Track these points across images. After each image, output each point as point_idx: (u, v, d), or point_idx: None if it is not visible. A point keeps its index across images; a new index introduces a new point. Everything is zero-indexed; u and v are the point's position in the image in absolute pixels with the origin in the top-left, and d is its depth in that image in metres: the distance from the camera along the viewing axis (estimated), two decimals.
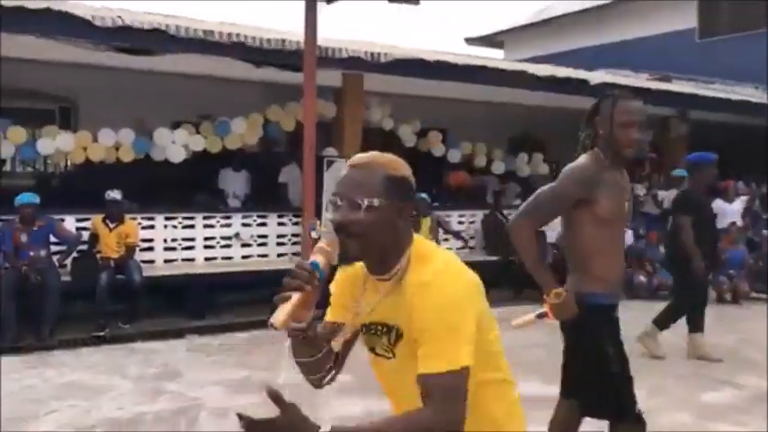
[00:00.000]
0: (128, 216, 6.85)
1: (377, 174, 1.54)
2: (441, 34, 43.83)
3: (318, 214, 7.08)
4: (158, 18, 6.62)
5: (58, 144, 6.77)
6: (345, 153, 7.99)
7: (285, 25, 7.40)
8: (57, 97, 8.49)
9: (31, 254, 6.22)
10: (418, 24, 43.86)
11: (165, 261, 7.41)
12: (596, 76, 9.43)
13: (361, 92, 8.13)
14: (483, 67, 8.30)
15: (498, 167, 9.69)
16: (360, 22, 28.79)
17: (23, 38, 5.98)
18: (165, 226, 7.42)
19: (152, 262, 7.25)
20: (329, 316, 1.74)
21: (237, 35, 6.64)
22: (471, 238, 9.01)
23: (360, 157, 1.60)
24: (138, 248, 6.93)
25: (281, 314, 1.43)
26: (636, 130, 2.65)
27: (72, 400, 4.72)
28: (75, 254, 6.68)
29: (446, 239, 8.45)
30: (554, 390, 3.13)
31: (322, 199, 7.28)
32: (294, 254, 7.93)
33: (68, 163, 8.57)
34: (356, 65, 7.39)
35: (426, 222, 8.27)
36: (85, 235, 6.83)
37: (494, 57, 16.26)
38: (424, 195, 8.28)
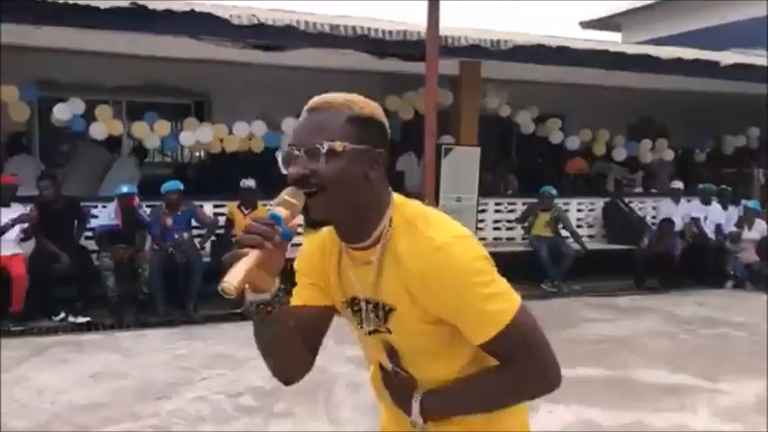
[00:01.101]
0: (260, 203, 7.30)
1: (339, 114, 1.28)
2: (554, 18, 42.70)
3: (438, 201, 7.24)
4: (288, 15, 6.97)
5: (197, 136, 7.31)
6: (462, 140, 8.10)
7: (397, 15, 7.54)
8: (193, 92, 9.12)
9: (176, 236, 6.79)
10: (530, 9, 42.97)
11: (292, 245, 7.80)
12: (727, 57, 8.95)
13: (478, 79, 8.18)
14: (605, 52, 8.11)
15: (619, 154, 9.44)
16: (470, 9, 28.67)
17: (168, 38, 6.51)
18: None
19: None
20: (297, 298, 1.42)
21: (362, 28, 6.88)
22: (590, 226, 8.87)
23: (318, 98, 1.32)
24: None
25: (233, 276, 1.11)
26: None
27: (220, 369, 5.15)
28: (213, 237, 7.21)
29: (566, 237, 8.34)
30: (682, 378, 3.10)
31: (440, 186, 7.45)
32: None
33: (203, 153, 9.19)
34: (476, 53, 7.45)
35: (544, 217, 8.22)
36: (222, 220, 7.35)
37: (610, 40, 15.73)
38: (549, 188, 8.25)
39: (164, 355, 5.49)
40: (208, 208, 7.38)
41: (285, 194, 1.22)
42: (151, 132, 7.25)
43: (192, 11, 6.22)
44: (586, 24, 17.91)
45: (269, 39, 6.73)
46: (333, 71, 8.29)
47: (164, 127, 7.31)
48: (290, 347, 1.37)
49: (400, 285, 1.29)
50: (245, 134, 7.54)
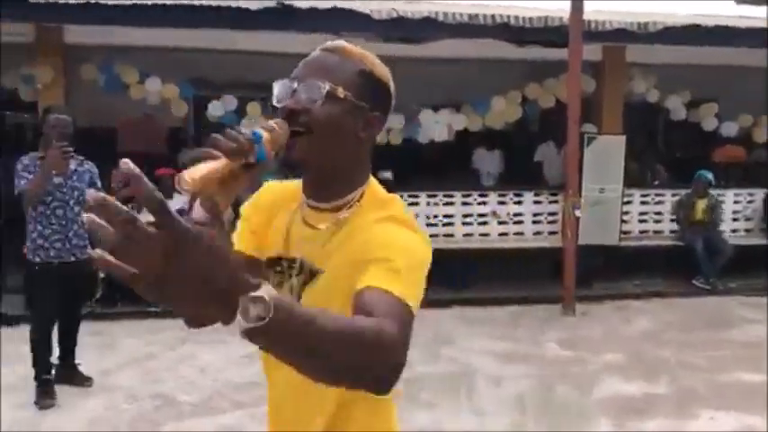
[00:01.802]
0: (396, 194, 7.39)
1: (350, 62, 1.23)
2: None
3: (580, 192, 6.98)
4: (427, 7, 6.99)
5: None
6: (606, 129, 7.75)
7: (535, 2, 7.31)
8: None
9: None
10: None
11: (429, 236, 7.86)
12: None
13: (623, 64, 7.80)
14: (765, 30, 7.43)
15: None
16: None
17: (312, 35, 6.73)
18: (428, 203, 7.88)
19: None
20: (236, 244, 1.28)
21: (501, 16, 6.76)
22: (748, 219, 8.20)
23: (337, 42, 1.27)
24: None
25: (195, 172, 0.95)
26: None
27: None
28: None
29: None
30: None
31: (582, 176, 7.17)
32: (550, 233, 7.92)
33: None
34: (621, 37, 7.10)
35: (701, 205, 7.72)
36: None
37: None
38: (705, 173, 7.75)
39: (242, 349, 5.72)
40: None
41: (273, 122, 1.11)
42: None
43: (335, 8, 6.40)
44: (743, 0, 16.47)
45: (408, 31, 6.80)
46: (470, 60, 8.21)
47: None
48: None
49: (343, 257, 1.17)
50: (385, 127, 7.65)
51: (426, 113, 7.74)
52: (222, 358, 5.10)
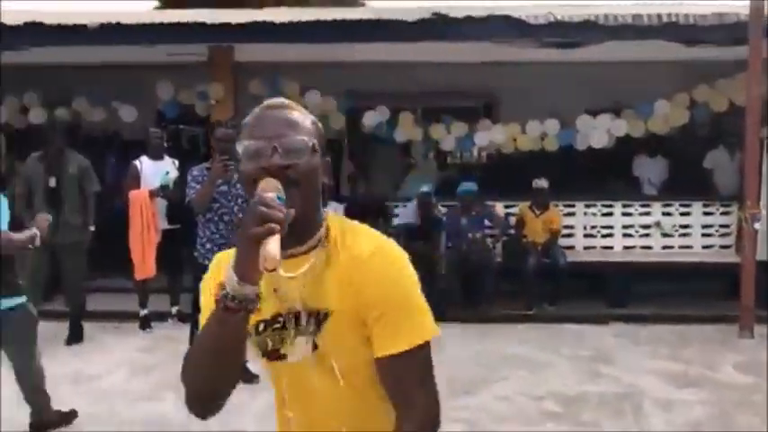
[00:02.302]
0: (552, 203, 7.17)
1: (305, 115, 1.31)
2: None
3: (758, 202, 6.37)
4: (585, 10, 6.72)
5: (491, 136, 7.44)
6: None
7: None
8: (481, 94, 9.32)
9: (470, 236, 6.98)
10: None
11: (585, 248, 7.56)
12: None
13: None
14: None
15: None
16: None
17: (465, 44, 6.72)
18: (585, 213, 7.57)
19: (572, 248, 7.46)
20: (205, 317, 1.29)
21: (669, 15, 6.35)
22: None
23: (275, 99, 1.34)
24: (560, 234, 7.21)
25: (273, 252, 1.06)
26: None
27: (518, 370, 5.16)
28: (504, 237, 7.29)
29: None
30: None
31: (762, 186, 6.54)
32: (722, 246, 7.31)
33: (491, 154, 9.34)
34: None
35: None
36: (512, 220, 7.38)
37: None
38: None
39: (461, 351, 5.67)
40: (498, 208, 7.46)
41: (272, 182, 1.18)
42: (447, 135, 7.57)
43: (491, 15, 6.34)
44: None
45: (566, 36, 6.58)
46: (632, 63, 7.80)
47: (459, 128, 7.58)
48: (238, 360, 1.23)
49: (337, 286, 1.26)
50: (538, 133, 7.46)
51: (584, 119, 7.44)
52: None
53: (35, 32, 6.22)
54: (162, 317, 6.10)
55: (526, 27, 6.44)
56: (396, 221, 7.30)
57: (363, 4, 20.06)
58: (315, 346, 1.28)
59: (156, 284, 6.06)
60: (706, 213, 7.38)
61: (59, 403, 4.01)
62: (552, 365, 5.29)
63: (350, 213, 7.00)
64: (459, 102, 9.56)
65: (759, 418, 4.25)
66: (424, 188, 7.04)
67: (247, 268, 1.11)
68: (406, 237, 6.99)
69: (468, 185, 7.07)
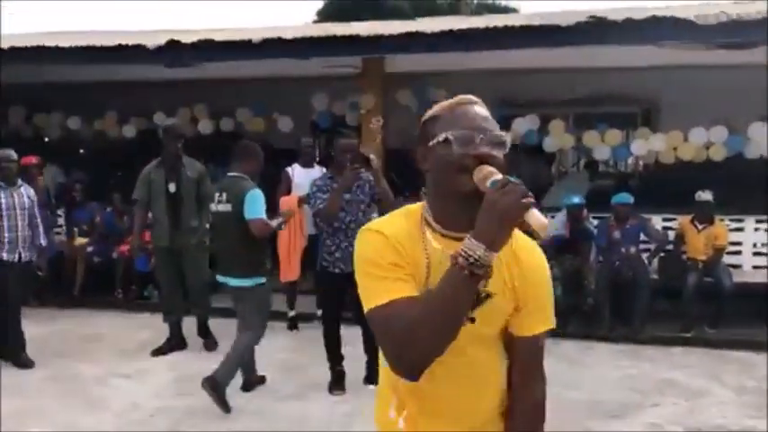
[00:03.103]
0: (717, 217, 6.61)
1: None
2: None
3: None
4: (757, 6, 6.12)
5: (650, 145, 7.01)
6: None
7: None
8: (640, 100, 8.82)
9: (623, 250, 6.60)
10: None
11: (753, 267, 6.89)
12: None
13: None
14: None
15: None
16: None
17: (625, 48, 6.37)
18: (756, 229, 6.90)
19: (739, 267, 6.83)
20: (401, 290, 1.36)
21: None
22: None
23: (467, 96, 1.51)
24: (725, 251, 6.62)
25: (542, 217, 1.25)
26: None
27: (672, 397, 4.80)
28: (661, 253, 6.82)
29: None
30: None
31: None
32: None
33: (649, 163, 8.80)
34: None
35: None
36: (671, 234, 6.89)
37: None
38: None
39: (611, 371, 5.39)
40: (656, 221, 7.00)
41: (489, 168, 1.34)
42: (601, 143, 7.24)
43: (654, 17, 5.96)
44: None
45: (740, 36, 6.01)
46: None
47: (614, 136, 7.22)
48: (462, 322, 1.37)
49: (498, 272, 1.40)
50: (703, 141, 6.92)
51: (757, 126, 6.79)
52: None
53: (206, 49, 6.76)
54: (308, 318, 6.37)
55: (695, 28, 5.97)
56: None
57: (516, 11, 19.86)
58: (472, 320, 1.44)
59: (304, 287, 6.35)
60: None
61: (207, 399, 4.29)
62: (711, 394, 4.86)
63: None
64: (616, 108, 9.11)
65: None
66: (575, 199, 6.77)
67: (500, 238, 1.27)
68: (554, 248, 6.77)
69: (623, 196, 6.70)
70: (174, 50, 6.77)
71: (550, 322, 1.53)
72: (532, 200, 1.25)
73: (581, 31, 6.10)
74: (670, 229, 6.96)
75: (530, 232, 1.35)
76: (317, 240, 5.65)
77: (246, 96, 8.23)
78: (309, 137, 6.98)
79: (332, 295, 4.70)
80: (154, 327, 6.15)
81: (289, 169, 6.29)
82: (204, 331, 5.88)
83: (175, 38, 6.80)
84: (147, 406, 4.56)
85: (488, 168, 1.34)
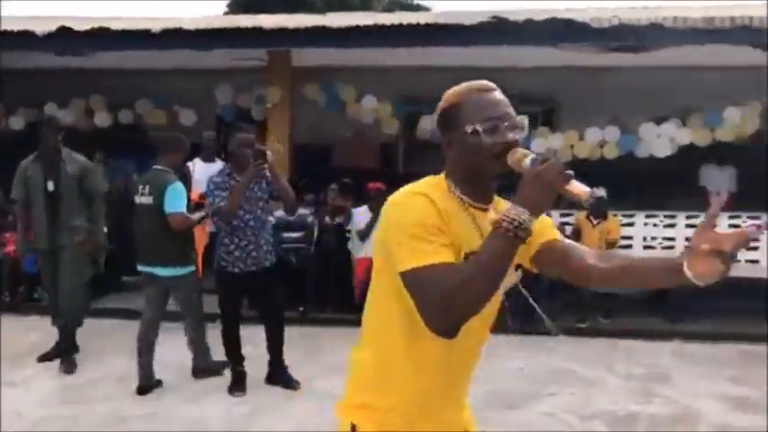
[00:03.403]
0: (610, 213, 6.93)
1: None
2: None
3: None
4: (653, 12, 6.47)
5: (549, 143, 7.26)
6: None
7: None
8: (541, 100, 9.11)
9: None
10: None
11: None
12: None
13: None
14: None
15: None
16: None
17: (526, 48, 6.57)
18: (645, 224, 7.29)
19: None
20: (445, 255, 1.44)
21: (742, 18, 6.03)
22: None
23: (484, 81, 1.59)
24: (617, 245, 6.96)
25: (583, 186, 1.39)
26: None
27: (569, 386, 4.99)
28: None
29: None
30: None
31: None
32: None
33: None
34: None
35: None
36: (568, 229, 7.17)
37: None
38: None
39: (508, 363, 5.53)
40: (554, 216, 7.27)
41: (522, 150, 1.48)
42: None
43: (554, 18, 6.17)
44: None
45: (631, 40, 6.34)
46: (700, 68, 7.48)
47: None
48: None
49: None
50: (597, 140, 7.24)
51: (647, 126, 7.17)
52: None
53: (101, 37, 6.45)
54: (212, 318, 6.16)
55: (589, 31, 6.24)
56: None
57: (428, 9, 20.12)
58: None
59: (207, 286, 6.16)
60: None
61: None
62: (603, 383, 5.10)
63: None
64: (519, 107, 9.33)
65: None
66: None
67: (543, 205, 1.39)
68: None
69: None
70: (65, 38, 6.42)
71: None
72: (572, 172, 1.37)
73: (483, 31, 6.25)
74: (567, 224, 7.23)
75: (572, 201, 1.45)
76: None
77: (147, 88, 7.91)
78: (213, 131, 6.79)
79: (231, 295, 4.59)
80: (44, 330, 5.80)
81: (189, 164, 6.09)
82: (64, 345, 5.23)
83: (67, 25, 6.44)
84: (31, 415, 4.30)
85: (521, 150, 1.48)
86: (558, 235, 1.68)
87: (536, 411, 4.51)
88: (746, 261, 7.01)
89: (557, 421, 4.37)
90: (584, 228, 6.97)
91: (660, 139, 7.05)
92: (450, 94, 1.59)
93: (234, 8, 19.58)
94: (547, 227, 1.69)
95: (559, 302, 6.79)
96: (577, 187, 1.38)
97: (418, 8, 20.79)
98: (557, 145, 7.29)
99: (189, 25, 6.51)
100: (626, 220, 7.25)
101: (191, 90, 7.66)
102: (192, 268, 4.74)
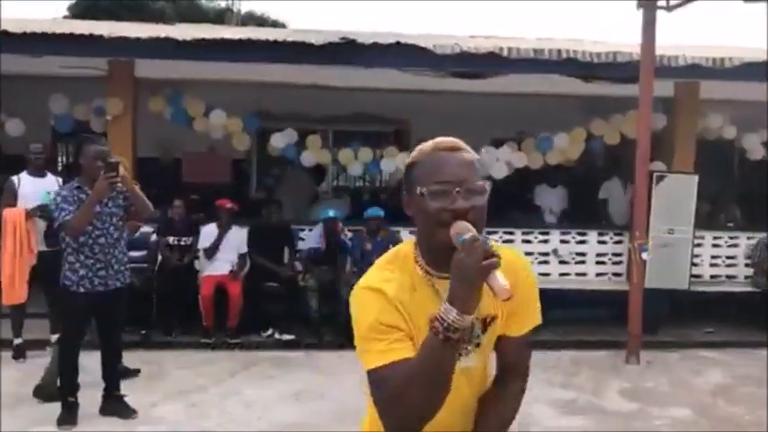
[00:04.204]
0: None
1: (474, 157, 1.46)
2: None
3: (647, 233, 6.68)
4: (491, 42, 6.90)
5: (397, 162, 7.47)
6: (677, 167, 7.42)
7: (602, 35, 7.08)
8: (394, 120, 9.40)
9: (374, 260, 6.93)
10: (760, 18, 38.82)
11: None
12: None
13: (696, 101, 7.46)
14: None
15: None
16: (692, 21, 26.36)
17: (374, 70, 6.74)
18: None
19: None
20: (401, 352, 1.36)
21: (568, 51, 6.60)
22: None
23: (451, 139, 1.47)
24: None
25: (504, 280, 1.26)
26: None
27: None
28: None
29: None
30: None
31: (651, 216, 6.87)
32: (615, 274, 7.59)
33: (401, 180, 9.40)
34: (695, 72, 6.80)
35: None
36: None
37: None
38: None
39: (360, 377, 5.59)
40: (405, 234, 7.47)
41: (465, 224, 1.33)
42: (355, 160, 7.54)
43: (398, 43, 6.39)
44: None
45: (471, 66, 6.71)
46: (533, 96, 8.07)
47: (366, 154, 7.58)
48: (451, 382, 1.36)
49: (498, 305, 1.47)
50: None
51: (487, 150, 7.60)
52: (269, 395, 5.03)
53: None
54: (39, 345, 5.69)
55: (433, 57, 6.53)
56: (300, 245, 7.17)
57: (285, 26, 20.08)
58: (477, 345, 1.50)
59: (34, 310, 5.68)
60: (600, 242, 7.64)
61: None
62: None
63: (254, 237, 6.84)
64: (372, 127, 9.62)
65: None
66: (330, 212, 6.98)
67: (470, 301, 1.26)
68: (313, 261, 6.90)
69: (375, 210, 7.07)
70: None
71: (538, 318, 1.58)
72: (496, 260, 1.24)
73: (331, 51, 6.33)
74: None
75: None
76: (49, 258, 5.09)
77: None
78: (42, 142, 6.25)
79: (74, 317, 4.27)
80: None
81: (14, 178, 5.57)
82: None
83: None
84: None
85: (462, 224, 1.32)
86: (528, 327, 1.58)
87: None
88: (576, 274, 7.63)
89: None
90: None
91: (499, 162, 7.49)
92: (415, 150, 1.49)
93: (75, 14, 18.38)
94: (527, 311, 1.56)
95: None
96: (497, 283, 1.24)
97: (275, 24, 20.71)
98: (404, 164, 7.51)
99: (13, 28, 6.01)
100: None
101: (19, 98, 7.05)
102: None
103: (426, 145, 1.47)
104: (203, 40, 6.34)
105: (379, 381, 1.37)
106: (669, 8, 6.24)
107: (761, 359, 6.26)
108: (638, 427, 4.67)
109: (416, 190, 1.39)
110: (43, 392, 4.67)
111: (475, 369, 1.54)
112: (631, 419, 4.85)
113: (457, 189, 1.36)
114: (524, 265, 1.56)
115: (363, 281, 1.48)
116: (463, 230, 1.30)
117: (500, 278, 1.24)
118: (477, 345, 1.50)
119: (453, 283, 1.27)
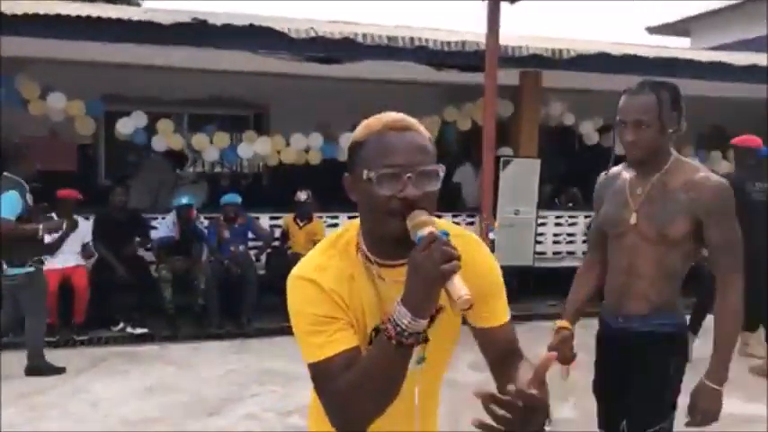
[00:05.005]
0: (315, 215, 7.28)
1: (427, 137, 1.32)
2: (620, 23, 41.59)
3: (495, 215, 7.06)
4: (347, 27, 6.94)
5: (255, 148, 7.36)
6: (522, 152, 7.89)
7: (456, 23, 7.39)
8: (252, 105, 9.23)
9: (232, 248, 6.83)
10: (596, 15, 41.93)
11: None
12: None
13: (539, 89, 7.96)
14: (674, 59, 7.76)
15: None
16: (532, 17, 28.11)
17: (228, 52, 6.57)
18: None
19: None
20: (342, 343, 1.29)
21: (420, 39, 6.78)
22: None
23: (402, 117, 1.32)
24: None
25: (465, 288, 1.13)
26: (625, 129, 2.30)
27: (271, 385, 5.12)
28: (268, 250, 7.23)
29: None
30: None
31: (498, 199, 7.27)
32: None
33: (261, 165, 9.27)
34: (537, 62, 7.25)
35: None
36: (277, 232, 7.37)
37: (678, 46, 15.14)
38: None
39: (216, 369, 5.50)
40: (264, 220, 7.41)
41: (422, 215, 1.21)
42: (210, 145, 7.34)
43: (252, 25, 6.27)
44: (654, 30, 17.28)
45: (326, 51, 6.73)
46: (390, 82, 8.23)
47: (223, 139, 7.40)
48: (401, 384, 1.27)
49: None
50: (303, 146, 7.54)
51: (347, 136, 7.67)
52: (118, 391, 4.82)
53: None
54: None
55: (287, 40, 6.47)
56: (154, 234, 6.88)
57: (139, 5, 18.97)
58: (425, 340, 1.32)
59: None
60: (455, 224, 7.96)
61: None
62: (305, 378, 5.31)
63: (101, 227, 6.47)
64: (230, 111, 9.39)
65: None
66: (183, 200, 6.75)
67: (425, 305, 1.16)
68: (166, 251, 6.65)
69: (231, 196, 6.93)
70: None
71: (508, 313, 1.48)
72: (456, 263, 1.12)
73: (181, 32, 6.09)
74: (277, 226, 7.42)
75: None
76: None
77: None
78: None
79: None
80: None
81: None
82: None
83: None
84: None
85: (420, 218, 1.19)
86: (506, 317, 1.47)
87: (237, 414, 4.54)
88: None
89: (258, 420, 4.45)
90: (291, 229, 7.21)
91: None
92: (360, 127, 1.34)
93: None
94: (499, 300, 1.45)
95: (270, 304, 6.95)
96: (456, 289, 1.12)
97: (129, 3, 19.53)
98: (263, 150, 7.42)
99: None
100: (331, 222, 7.67)
101: None
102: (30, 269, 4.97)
103: (373, 121, 1.32)
104: (37, 14, 5.87)
105: (318, 375, 1.31)
106: (512, 0, 6.58)
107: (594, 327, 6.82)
108: None
109: (362, 173, 1.26)
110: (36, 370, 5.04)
111: (422, 368, 1.41)
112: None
113: (408, 174, 1.23)
114: (479, 246, 1.43)
115: (298, 268, 1.37)
116: (420, 225, 1.18)
117: (459, 285, 1.12)
118: (426, 340, 1.32)
119: (409, 285, 1.16)
